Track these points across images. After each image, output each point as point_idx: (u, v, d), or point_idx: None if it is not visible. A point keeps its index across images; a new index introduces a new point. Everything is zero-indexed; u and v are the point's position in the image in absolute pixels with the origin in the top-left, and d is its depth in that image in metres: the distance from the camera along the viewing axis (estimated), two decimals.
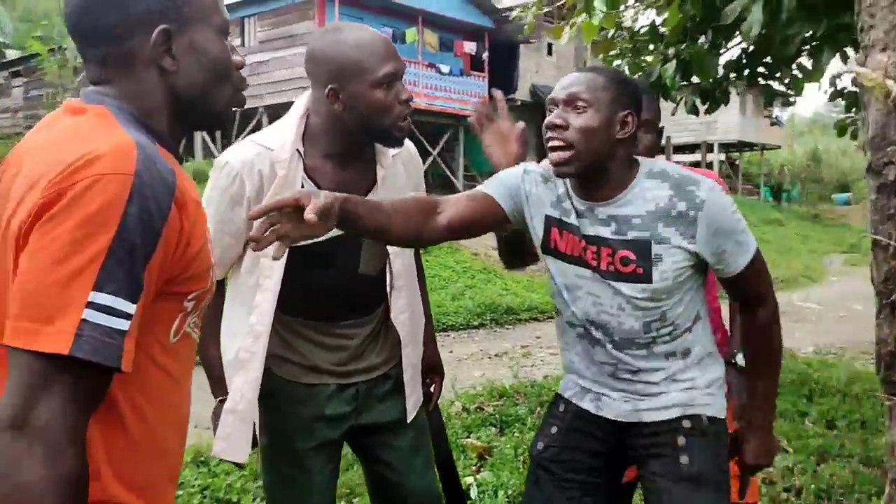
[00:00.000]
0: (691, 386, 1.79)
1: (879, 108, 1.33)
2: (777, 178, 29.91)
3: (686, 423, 1.76)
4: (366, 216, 1.57)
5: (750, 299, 1.79)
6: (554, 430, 1.90)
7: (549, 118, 1.69)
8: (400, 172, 2.01)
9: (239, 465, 2.03)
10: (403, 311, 2.02)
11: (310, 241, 1.85)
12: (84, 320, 0.91)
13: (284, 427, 1.98)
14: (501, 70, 20.14)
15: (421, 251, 2.24)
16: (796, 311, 10.86)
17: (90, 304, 0.92)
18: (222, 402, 1.95)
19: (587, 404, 1.86)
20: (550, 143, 1.68)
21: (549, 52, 22.20)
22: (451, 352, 7.65)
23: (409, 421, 2.07)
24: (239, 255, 1.91)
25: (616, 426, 1.83)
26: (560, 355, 1.97)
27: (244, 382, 1.89)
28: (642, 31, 5.28)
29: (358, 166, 1.92)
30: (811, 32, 3.54)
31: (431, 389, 2.25)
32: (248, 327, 1.89)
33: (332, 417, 2.00)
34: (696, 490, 1.71)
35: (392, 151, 1.96)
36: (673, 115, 4.95)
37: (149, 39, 1.09)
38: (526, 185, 1.84)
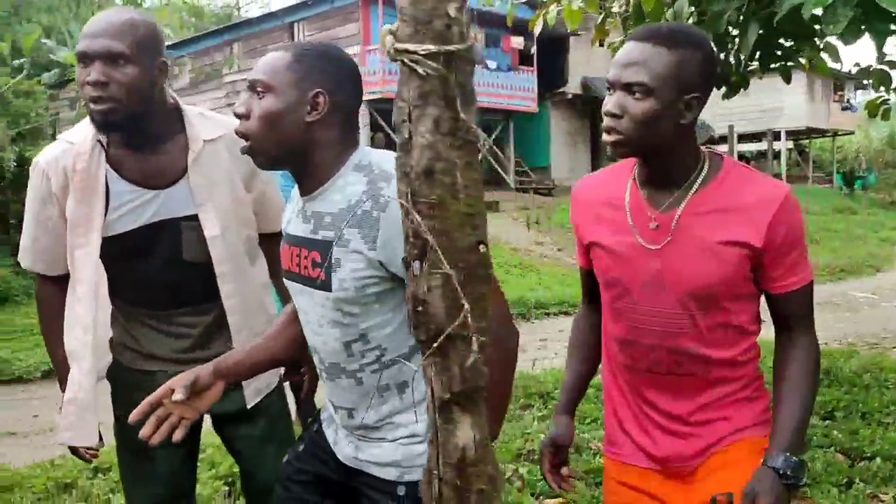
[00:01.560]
0: (411, 438, 1.54)
1: None
2: (851, 164, 28.66)
3: (401, 491, 1.55)
4: (247, 363, 1.64)
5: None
6: (301, 447, 1.76)
7: None
8: (221, 157, 1.96)
9: (92, 452, 2.04)
10: (231, 297, 1.98)
11: (123, 231, 1.88)
12: None
13: (126, 414, 2.00)
14: (551, 64, 19.94)
15: None
16: (847, 300, 10.39)
17: None
18: None
19: (330, 435, 1.70)
20: None
21: (601, 43, 21.83)
22: None
23: (248, 408, 2.05)
24: (62, 253, 1.93)
25: (344, 465, 1.65)
26: None
27: (79, 372, 1.92)
28: (626, 13, 5.12)
29: (165, 152, 1.90)
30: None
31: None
32: (76, 318, 1.92)
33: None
34: None
35: (205, 135, 1.93)
36: (724, 99, 4.66)
37: None
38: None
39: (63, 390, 2.00)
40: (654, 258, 1.54)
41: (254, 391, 2.06)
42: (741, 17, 3.84)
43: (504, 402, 1.53)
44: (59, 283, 1.99)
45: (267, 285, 2.14)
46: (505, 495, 3.44)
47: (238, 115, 1.47)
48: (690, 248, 1.51)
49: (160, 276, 1.93)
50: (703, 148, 1.58)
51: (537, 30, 4.94)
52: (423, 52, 0.82)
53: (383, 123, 16.95)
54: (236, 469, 3.53)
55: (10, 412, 5.81)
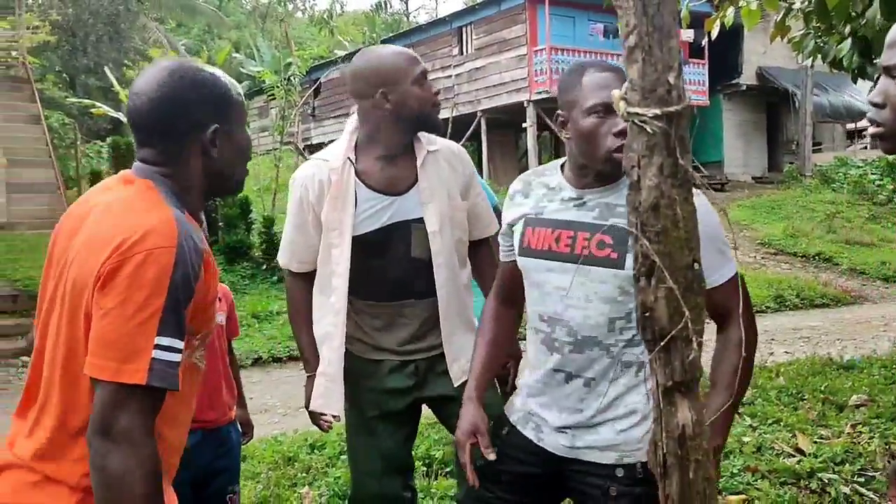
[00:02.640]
0: (628, 424, 1.72)
1: None
2: None
3: (619, 472, 1.72)
4: (491, 371, 1.98)
5: (720, 317, 1.74)
6: (490, 450, 1.87)
7: None
8: (443, 167, 2.30)
9: (330, 421, 2.37)
10: (443, 286, 2.28)
11: (366, 231, 2.23)
12: (154, 359, 1.23)
13: (356, 398, 2.35)
14: (723, 54, 19.26)
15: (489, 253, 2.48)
16: None
17: (156, 346, 1.24)
18: (310, 377, 2.35)
19: (529, 432, 1.85)
20: None
21: (782, 38, 20.77)
22: None
23: (456, 384, 2.31)
24: (315, 255, 2.31)
25: (555, 455, 1.81)
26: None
27: (330, 350, 2.29)
28: (808, 7, 5.00)
29: (401, 165, 2.26)
30: None
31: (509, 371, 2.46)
32: (329, 307, 2.29)
33: (393, 390, 2.32)
34: None
35: (428, 147, 2.29)
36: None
37: (201, 135, 1.41)
38: (512, 209, 1.91)
39: (307, 370, 2.37)
40: None
41: (459, 372, 2.32)
42: None
43: (743, 392, 1.76)
44: (307, 279, 2.36)
45: (469, 287, 2.42)
46: None
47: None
48: None
49: (392, 271, 2.26)
50: None
51: (715, 31, 4.95)
52: (650, 115, 1.05)
53: (549, 122, 17.12)
54: (433, 452, 3.90)
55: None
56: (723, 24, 5.00)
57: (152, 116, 1.40)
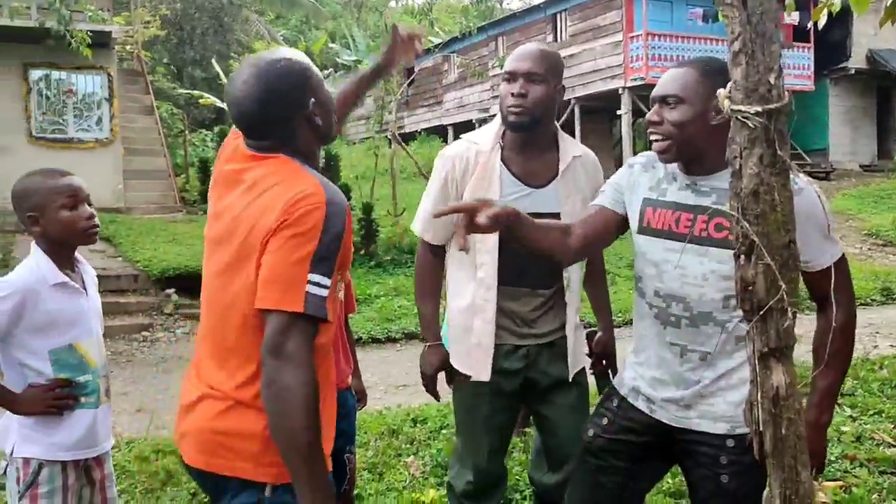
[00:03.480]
0: (741, 396, 1.80)
1: None
2: None
3: (730, 443, 1.83)
4: (527, 230, 1.86)
5: (823, 298, 1.82)
6: (605, 421, 2.05)
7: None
8: (580, 173, 2.44)
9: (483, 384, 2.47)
10: (570, 280, 2.44)
11: None
12: (307, 292, 1.48)
13: (464, 378, 2.49)
14: (830, 38, 18.54)
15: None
16: None
17: (309, 282, 1.48)
18: (430, 346, 2.52)
19: (641, 404, 1.99)
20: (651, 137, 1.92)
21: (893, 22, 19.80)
22: None
23: (570, 380, 2.47)
24: (449, 231, 2.43)
25: (667, 426, 1.94)
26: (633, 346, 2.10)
27: (484, 323, 2.42)
28: None
29: (544, 159, 2.41)
30: None
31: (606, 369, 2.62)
32: (477, 282, 2.43)
33: (507, 371, 2.46)
34: None
35: (573, 152, 2.45)
36: None
37: (302, 113, 1.64)
38: (631, 178, 2.03)
39: (429, 339, 2.51)
40: None
41: (572, 363, 2.48)
42: None
43: (844, 372, 1.87)
44: (438, 252, 2.52)
45: (580, 280, 2.56)
46: None
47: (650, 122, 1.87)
48: None
49: (519, 258, 2.34)
50: None
51: (822, 20, 4.89)
52: (752, 112, 1.18)
53: (645, 109, 16.93)
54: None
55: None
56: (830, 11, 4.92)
57: (260, 116, 1.63)
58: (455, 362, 2.49)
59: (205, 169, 14.43)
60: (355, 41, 20.42)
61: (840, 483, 3.50)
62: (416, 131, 23.18)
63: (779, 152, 1.20)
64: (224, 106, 12.20)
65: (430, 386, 2.58)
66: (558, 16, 19.46)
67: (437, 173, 2.48)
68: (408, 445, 4.08)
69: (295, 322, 1.48)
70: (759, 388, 1.24)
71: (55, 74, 12.65)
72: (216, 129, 17.69)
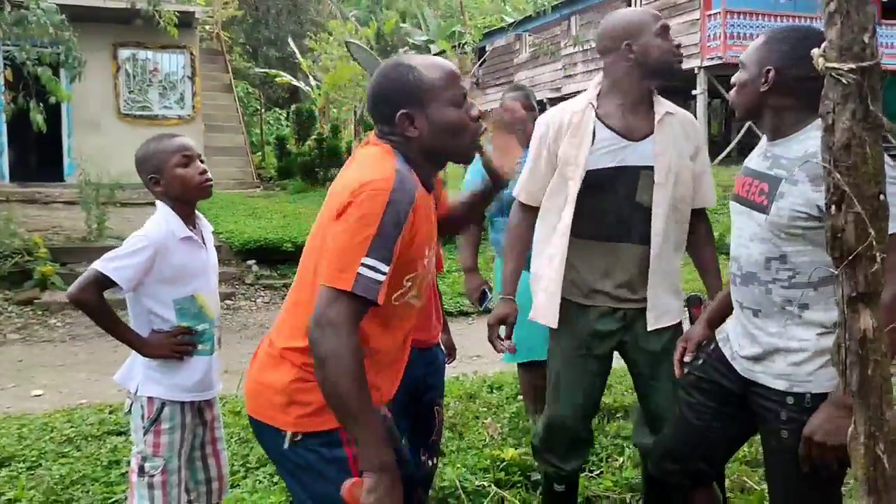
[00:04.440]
0: (800, 358, 1.91)
1: None
2: None
3: (790, 400, 1.92)
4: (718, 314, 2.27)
5: None
6: (700, 361, 2.20)
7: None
8: (677, 130, 2.51)
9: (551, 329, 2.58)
10: (657, 234, 2.47)
11: (597, 168, 2.46)
12: (359, 273, 1.57)
13: (564, 339, 2.58)
14: None
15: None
16: None
17: (363, 265, 1.58)
18: (502, 299, 2.60)
19: (727, 351, 2.12)
20: None
21: None
22: None
23: (648, 329, 2.53)
24: (542, 192, 2.56)
25: (741, 375, 2.05)
26: None
27: (551, 270, 2.52)
28: None
29: (640, 115, 2.49)
30: None
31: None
32: (556, 231, 2.51)
33: (601, 333, 2.54)
34: (790, 463, 1.89)
35: (667, 108, 2.50)
36: None
37: (400, 114, 1.72)
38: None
39: (503, 293, 2.60)
40: None
41: (655, 317, 2.53)
42: None
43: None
44: (531, 214, 2.62)
45: (679, 248, 2.60)
46: None
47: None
48: None
49: (614, 211, 2.46)
50: None
51: None
52: (846, 69, 1.26)
53: (721, 90, 16.59)
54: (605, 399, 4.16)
55: None
56: None
57: (370, 103, 1.81)
58: (533, 313, 2.60)
59: (281, 146, 14.81)
60: (426, 21, 20.48)
61: None
62: (489, 111, 23.20)
63: (871, 108, 1.27)
64: (300, 84, 12.48)
65: (490, 335, 2.63)
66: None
67: (534, 140, 2.61)
68: (484, 409, 4.23)
69: (341, 297, 1.58)
70: (847, 330, 1.32)
71: (141, 54, 13.18)
72: (292, 107, 18.07)
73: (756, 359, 2.01)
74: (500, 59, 23.12)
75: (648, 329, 2.54)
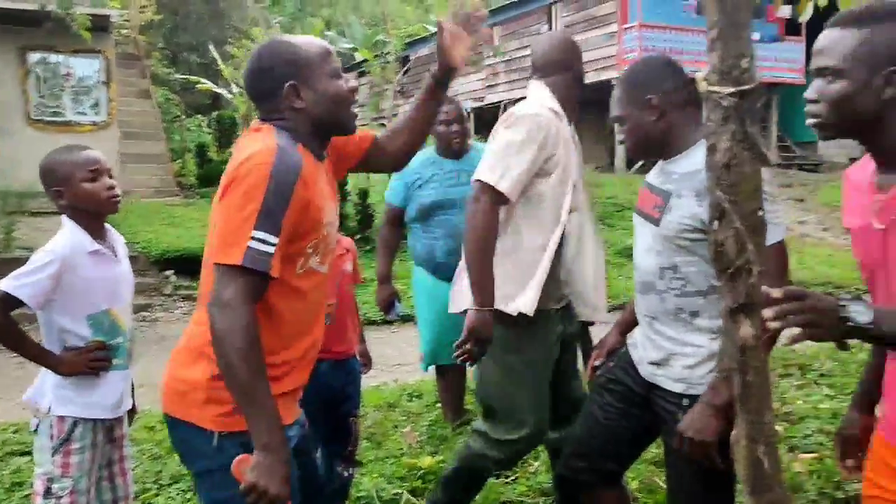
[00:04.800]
0: (693, 362, 2.00)
1: None
2: None
3: (686, 402, 2.00)
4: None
5: None
6: (611, 362, 2.33)
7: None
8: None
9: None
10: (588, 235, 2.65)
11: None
12: (249, 247, 1.59)
13: (530, 346, 2.54)
14: (821, 31, 18.68)
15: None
16: None
17: (252, 238, 1.59)
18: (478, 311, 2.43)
19: (635, 355, 2.21)
20: None
21: None
22: None
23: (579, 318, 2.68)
24: (521, 189, 2.45)
25: (645, 380, 2.15)
26: None
27: (547, 258, 2.49)
28: None
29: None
30: None
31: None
32: (552, 235, 2.50)
33: (558, 337, 2.61)
34: (688, 463, 1.97)
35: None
36: None
37: (283, 89, 1.75)
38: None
39: (486, 304, 2.38)
40: (880, 240, 1.49)
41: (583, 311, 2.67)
42: None
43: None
44: (496, 213, 2.44)
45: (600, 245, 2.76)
46: None
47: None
48: None
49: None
50: None
51: (806, 15, 5.02)
52: (726, 92, 1.34)
53: None
54: None
55: None
56: (816, 4, 5.05)
57: (251, 81, 1.83)
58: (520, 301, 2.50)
59: (202, 154, 14.49)
60: (351, 28, 20.39)
61: (815, 455, 3.68)
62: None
63: (749, 129, 1.35)
64: (222, 91, 12.21)
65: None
66: (553, 6, 19.55)
67: (531, 134, 2.45)
68: (403, 418, 4.25)
69: (233, 273, 1.60)
70: (729, 339, 1.40)
71: (53, 58, 12.68)
72: (213, 114, 17.73)
73: (657, 363, 2.10)
74: (423, 68, 23.19)
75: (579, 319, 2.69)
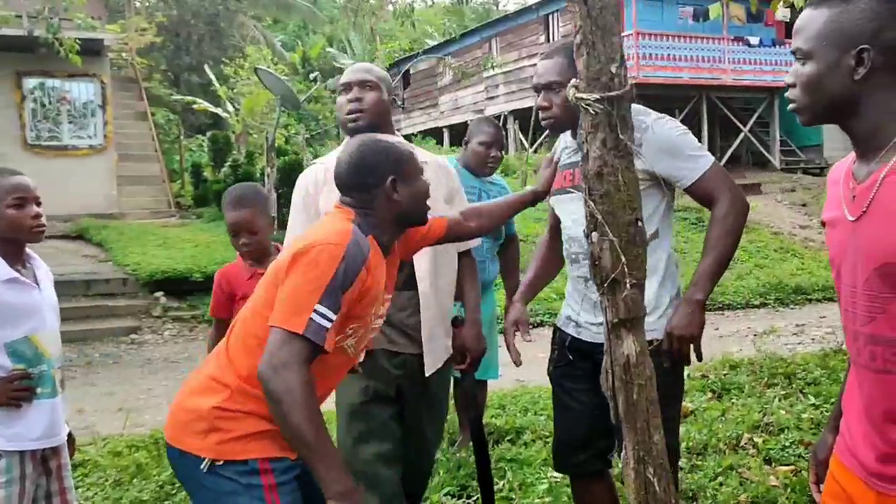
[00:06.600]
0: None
1: None
2: None
3: None
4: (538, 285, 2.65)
5: (707, 203, 2.16)
6: (555, 354, 2.35)
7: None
8: (430, 176, 2.26)
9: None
10: (423, 280, 2.43)
11: None
12: (311, 319, 1.69)
13: (363, 387, 2.41)
14: None
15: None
16: None
17: (315, 311, 1.70)
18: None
19: (571, 330, 2.28)
20: None
21: None
22: (717, 329, 7.70)
23: (426, 375, 2.42)
24: None
25: (589, 343, 2.20)
26: None
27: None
28: None
29: None
30: None
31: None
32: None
33: (387, 377, 2.42)
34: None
35: (420, 156, 2.48)
36: None
37: (383, 185, 1.91)
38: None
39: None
40: (852, 232, 1.38)
41: (431, 362, 2.46)
42: None
43: (729, 252, 2.14)
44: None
45: (451, 293, 2.58)
46: (739, 459, 3.71)
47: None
48: (879, 220, 1.31)
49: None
50: None
51: (780, 13, 4.95)
52: (594, 99, 1.28)
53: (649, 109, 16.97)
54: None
55: None
56: (792, 5, 4.98)
57: (350, 172, 1.95)
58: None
59: (197, 174, 14.54)
60: (352, 45, 20.47)
61: (792, 468, 3.58)
62: (413, 134, 23.29)
63: (621, 136, 1.29)
64: (218, 111, 12.26)
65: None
66: (550, 17, 19.55)
67: (294, 199, 2.57)
68: None
69: (293, 340, 1.69)
70: (611, 356, 1.34)
71: (49, 82, 12.80)
72: (208, 134, 17.83)
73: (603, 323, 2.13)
74: (423, 83, 23.26)
75: (426, 374, 2.46)
